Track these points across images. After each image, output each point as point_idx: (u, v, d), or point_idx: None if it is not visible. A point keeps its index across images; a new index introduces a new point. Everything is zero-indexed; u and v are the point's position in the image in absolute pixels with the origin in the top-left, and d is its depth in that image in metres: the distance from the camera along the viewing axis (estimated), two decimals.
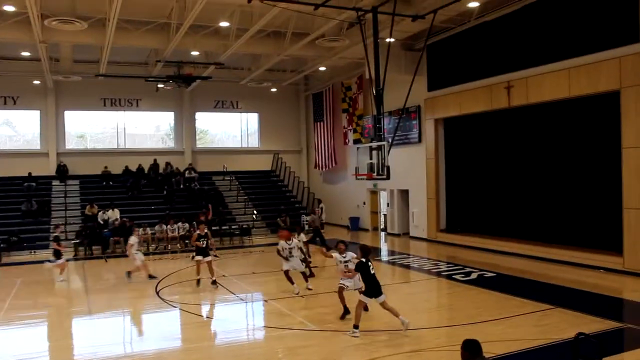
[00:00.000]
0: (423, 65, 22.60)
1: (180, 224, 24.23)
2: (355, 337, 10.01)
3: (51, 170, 29.15)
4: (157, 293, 14.79)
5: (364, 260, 10.41)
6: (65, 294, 15.75)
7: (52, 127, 29.58)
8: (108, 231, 23.78)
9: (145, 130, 33.08)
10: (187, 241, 23.84)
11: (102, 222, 24.53)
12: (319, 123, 32.23)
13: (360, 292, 10.47)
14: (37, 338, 11.58)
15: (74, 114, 30.56)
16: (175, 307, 13.31)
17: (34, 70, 26.77)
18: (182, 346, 10.42)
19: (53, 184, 28.61)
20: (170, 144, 33.09)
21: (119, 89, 30.06)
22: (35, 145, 29.99)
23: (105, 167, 29.65)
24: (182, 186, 29.61)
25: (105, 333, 11.39)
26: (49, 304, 14.48)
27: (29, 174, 27.78)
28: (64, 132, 30.22)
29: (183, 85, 26.59)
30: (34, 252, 23.20)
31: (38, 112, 29.58)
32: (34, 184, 27.50)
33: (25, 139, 30.53)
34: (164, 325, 11.99)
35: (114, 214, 24.96)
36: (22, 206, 25.73)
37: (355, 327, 10.17)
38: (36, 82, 28.37)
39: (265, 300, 13.82)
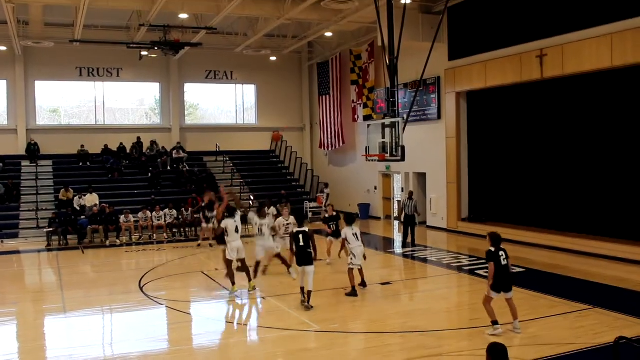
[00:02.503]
0: (443, 31, 22.42)
1: (167, 210, 24.28)
2: (496, 334, 9.92)
3: (20, 149, 29.20)
4: (141, 288, 14.82)
5: (493, 249, 10.26)
6: (37, 289, 15.81)
7: (21, 100, 29.53)
8: (85, 218, 23.84)
9: (127, 104, 33.07)
10: (174, 230, 23.94)
11: (78, 208, 24.59)
12: (324, 97, 32.12)
13: (489, 285, 10.33)
14: (5, 338, 11.61)
15: (45, 84, 30.54)
16: (161, 304, 13.34)
17: None
18: (168, 348, 10.43)
19: (22, 164, 28.66)
20: (155, 119, 33.07)
21: (97, 57, 29.98)
22: (2, 120, 30.01)
23: (82, 146, 29.62)
24: (169, 168, 29.64)
25: (82, 333, 11.39)
26: (18, 299, 14.54)
27: None
28: (35, 106, 30.20)
29: (170, 53, 26.44)
30: (2, 241, 23.30)
31: (4, 82, 29.53)
32: (0, 164, 27.53)
33: None
34: (148, 325, 12.01)
35: (92, 199, 25.00)
36: None
37: (494, 322, 10.10)
38: (2, 48, 28.24)
39: (263, 297, 13.83)
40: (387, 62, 18.65)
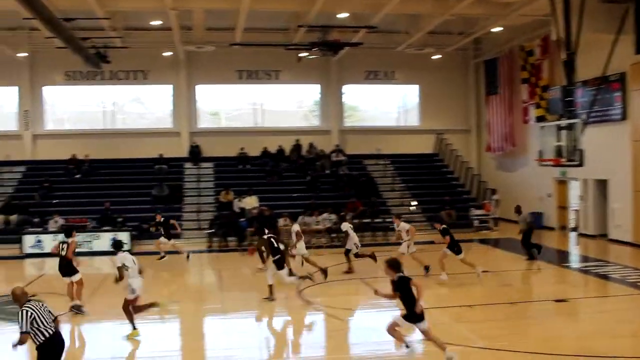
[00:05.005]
0: (629, 21, 21.11)
1: (326, 214, 24.85)
2: None
3: (183, 151, 31.19)
4: (300, 293, 15.18)
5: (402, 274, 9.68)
6: (198, 289, 16.76)
7: (184, 104, 31.56)
8: (245, 221, 24.95)
9: (286, 106, 34.24)
10: (333, 235, 24.35)
11: (238, 211, 25.77)
12: (492, 96, 31.38)
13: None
14: (169, 336, 12.53)
15: (207, 88, 32.42)
16: (318, 310, 13.65)
17: (164, 42, 28.58)
18: (325, 356, 10.66)
19: (185, 166, 30.62)
20: (314, 122, 33.94)
21: (256, 60, 31.26)
22: (167, 123, 32.24)
23: (242, 149, 31.01)
24: (328, 171, 30.27)
25: (240, 335, 12.00)
26: (181, 299, 15.56)
27: (160, 155, 29.98)
28: (196, 110, 32.18)
29: (329, 53, 27.01)
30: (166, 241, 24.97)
31: (171, 87, 31.72)
32: (165, 166, 29.62)
33: (155, 117, 32.95)
34: (305, 330, 12.35)
35: (251, 202, 26.13)
36: (152, 191, 27.86)
37: None
38: (167, 54, 30.34)
39: (425, 308, 13.75)
40: (564, 57, 17.93)
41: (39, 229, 24.34)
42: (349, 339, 11.92)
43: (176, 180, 29.07)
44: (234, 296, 15.70)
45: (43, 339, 7.84)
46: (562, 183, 27.32)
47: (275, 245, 14.78)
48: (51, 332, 7.93)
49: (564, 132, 17.22)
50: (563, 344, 10.75)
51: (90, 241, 23.60)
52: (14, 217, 25.69)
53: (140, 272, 12.19)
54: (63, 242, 13.93)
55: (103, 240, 23.33)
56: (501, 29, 27.53)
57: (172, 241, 21.10)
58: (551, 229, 27.52)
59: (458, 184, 31.90)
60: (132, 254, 19.02)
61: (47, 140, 31.09)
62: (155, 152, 30.05)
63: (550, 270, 18.56)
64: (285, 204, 26.72)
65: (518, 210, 21.05)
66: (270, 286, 14.38)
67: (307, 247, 18.19)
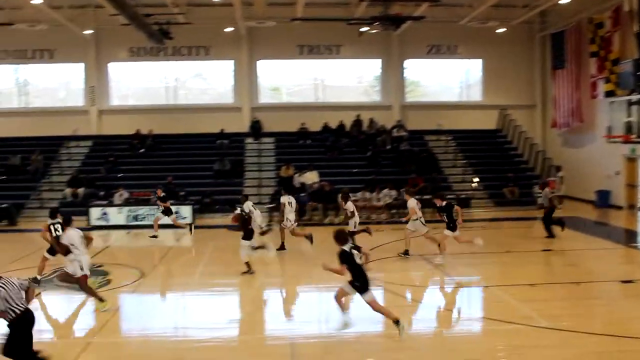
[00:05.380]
0: None
1: (386, 190, 24.78)
2: None
3: (244, 126, 31.51)
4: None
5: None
6: (258, 262, 16.89)
7: (245, 79, 31.86)
8: (305, 196, 25.08)
9: (346, 81, 34.14)
10: (393, 211, 24.27)
11: (298, 185, 25.92)
12: (559, 71, 30.56)
13: None
14: (228, 308, 12.80)
15: (268, 64, 32.57)
16: (378, 286, 13.65)
17: (226, 17, 28.74)
18: (384, 331, 10.65)
19: (246, 141, 30.97)
20: (375, 97, 33.76)
21: (317, 35, 31.20)
22: (228, 99, 32.60)
23: (302, 124, 31.18)
24: (388, 147, 30.12)
25: (299, 309, 12.24)
26: (239, 272, 15.68)
27: (222, 130, 30.37)
28: (257, 85, 32.39)
29: (391, 28, 26.71)
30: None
31: (232, 62, 32.05)
32: (226, 141, 29.98)
33: (217, 92, 33.34)
34: (364, 306, 12.36)
35: (311, 177, 26.26)
36: (214, 165, 28.26)
37: None
38: (228, 29, 30.53)
39: (485, 286, 13.64)
40: (636, 29, 17.29)
41: (105, 202, 25.01)
42: (409, 315, 11.88)
43: (237, 155, 29.48)
44: (294, 270, 15.85)
45: (14, 315, 7.96)
46: (632, 160, 26.45)
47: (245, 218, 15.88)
48: (22, 309, 8.03)
49: (634, 108, 16.63)
50: (630, 326, 10.45)
51: (153, 214, 24.13)
52: (81, 190, 26.49)
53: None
54: (55, 224, 13.81)
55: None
56: (569, 0, 26.72)
57: (173, 216, 21.43)
58: (619, 207, 26.76)
59: (521, 160, 31.30)
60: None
61: (112, 116, 31.94)
62: (217, 127, 30.48)
63: (617, 251, 18.07)
64: (345, 180, 26.65)
65: (543, 186, 20.59)
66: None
67: (367, 223, 18.19)
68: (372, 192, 24.78)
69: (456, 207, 16.51)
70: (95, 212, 24.02)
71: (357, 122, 31.30)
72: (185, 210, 23.80)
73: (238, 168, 28.55)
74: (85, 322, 11.07)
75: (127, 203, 24.61)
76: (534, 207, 25.03)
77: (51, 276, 14.09)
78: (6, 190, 26.14)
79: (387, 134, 30.68)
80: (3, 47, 31.05)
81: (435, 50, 32.89)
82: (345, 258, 9.77)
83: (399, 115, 32.19)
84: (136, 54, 31.58)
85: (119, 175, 27.89)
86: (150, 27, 26.31)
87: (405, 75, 33.30)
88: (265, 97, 32.86)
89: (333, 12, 28.93)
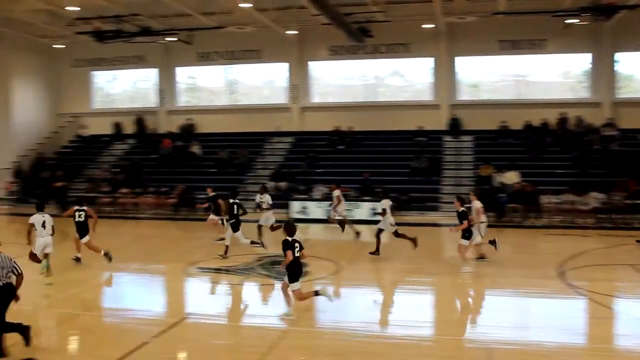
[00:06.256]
0: None
1: (594, 193, 23.44)
2: None
3: (442, 123, 31.13)
4: (560, 275, 14.52)
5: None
6: (452, 262, 16.60)
7: (444, 76, 31.49)
8: (505, 196, 24.32)
9: (550, 77, 32.56)
10: (601, 215, 22.88)
11: (497, 185, 25.18)
12: None
13: None
14: (423, 307, 12.78)
15: (466, 60, 31.96)
16: (582, 295, 12.92)
17: (425, 14, 28.45)
18: (587, 344, 10.08)
19: (444, 139, 30.61)
20: (582, 93, 31.82)
21: (519, 29, 29.91)
22: (426, 96, 32.44)
23: (503, 122, 30.14)
24: (597, 147, 28.27)
25: (493, 313, 11.96)
26: (438, 271, 15.64)
27: (419, 127, 30.27)
28: (456, 82, 31.90)
29: (601, 18, 25.13)
30: (423, 213, 25.23)
31: (431, 59, 31.82)
32: (424, 138, 29.84)
33: (415, 90, 33.29)
34: (566, 316, 11.73)
35: (512, 177, 25.37)
36: (411, 162, 28.27)
37: None
38: (426, 26, 30.22)
39: None
40: None
41: (305, 196, 25.98)
42: (614, 328, 11.08)
43: (435, 153, 29.21)
44: (488, 272, 15.37)
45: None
46: None
47: (235, 211, 16.88)
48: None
49: None
50: None
51: (350, 209, 24.61)
52: (282, 184, 27.75)
53: (52, 233, 14.20)
54: (79, 210, 15.87)
55: (363, 210, 24.41)
56: None
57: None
58: None
59: None
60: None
61: (312, 113, 33.13)
62: (414, 125, 30.37)
63: None
64: (547, 181, 25.58)
65: None
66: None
67: (571, 227, 17.30)
68: (578, 194, 23.46)
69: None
70: (295, 206, 25.07)
71: (562, 120, 29.68)
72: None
73: (435, 166, 28.32)
74: (281, 310, 11.49)
75: (325, 198, 25.34)
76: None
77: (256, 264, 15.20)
78: (216, 182, 27.99)
79: (596, 132, 28.78)
80: (214, 49, 33.52)
81: None
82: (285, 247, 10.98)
83: (609, 113, 30.01)
84: (336, 52, 32.40)
85: (317, 171, 28.87)
86: (351, 26, 26.86)
87: (617, 69, 31.06)
88: (464, 94, 32.30)
89: (537, 5, 27.54)
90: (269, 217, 19.61)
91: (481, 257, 16.07)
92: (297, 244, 10.93)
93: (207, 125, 33.97)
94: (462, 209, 15.32)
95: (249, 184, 28.91)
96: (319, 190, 25.91)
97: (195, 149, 32.03)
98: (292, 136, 32.67)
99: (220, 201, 19.71)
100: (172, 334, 10.72)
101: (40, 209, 14.43)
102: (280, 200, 25.05)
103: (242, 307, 13.38)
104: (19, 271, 9.46)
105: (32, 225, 14.03)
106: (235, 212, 16.92)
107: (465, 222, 15.13)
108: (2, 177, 31.68)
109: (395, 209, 24.47)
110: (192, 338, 10.65)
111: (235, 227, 16.76)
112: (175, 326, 11.12)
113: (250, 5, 25.71)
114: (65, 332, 11.23)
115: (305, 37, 32.03)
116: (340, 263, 16.31)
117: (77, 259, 15.96)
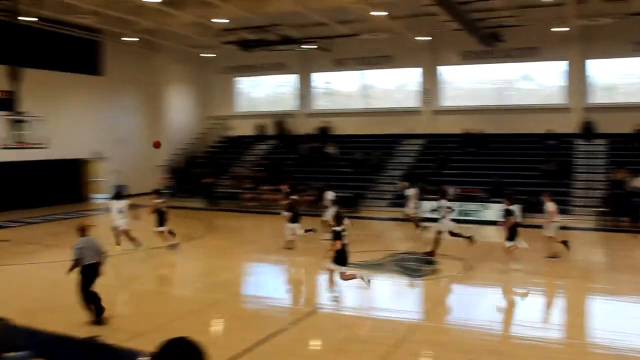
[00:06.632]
0: None
1: None
2: None
3: (572, 126, 31.03)
4: None
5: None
6: (583, 267, 16.96)
7: (576, 79, 31.44)
8: (639, 200, 24.21)
9: None
10: None
11: (632, 190, 25.10)
12: None
13: None
14: (550, 309, 13.45)
15: (600, 62, 31.66)
16: None
17: (556, 17, 28.50)
18: None
19: (575, 142, 30.53)
20: None
21: None
22: (557, 99, 32.44)
23: (639, 125, 29.68)
24: None
25: (627, 320, 12.01)
26: (566, 275, 15.95)
27: (549, 130, 30.43)
28: (588, 85, 31.68)
29: None
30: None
31: (563, 63, 31.77)
32: (555, 141, 30.00)
33: (545, 93, 33.36)
34: None
35: None
36: (541, 165, 28.57)
37: None
38: (556, 29, 30.07)
39: None
40: None
41: (435, 197, 26.79)
42: None
43: (565, 156, 29.26)
44: (625, 278, 15.38)
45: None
46: None
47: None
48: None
49: None
50: None
51: (479, 211, 25.35)
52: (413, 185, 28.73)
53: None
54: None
55: (492, 211, 24.94)
56: None
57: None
58: None
59: None
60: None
61: (443, 116, 34.06)
62: (543, 128, 30.59)
63: None
64: None
65: None
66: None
67: None
68: None
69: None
70: (426, 206, 26.01)
71: None
72: (515, 208, 24.38)
73: (566, 169, 28.42)
74: (412, 305, 12.45)
75: (456, 199, 26.12)
76: None
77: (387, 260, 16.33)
78: (351, 182, 29.60)
79: None
80: (350, 55, 35.21)
81: None
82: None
83: None
84: (467, 57, 33.11)
85: (448, 172, 29.63)
86: (482, 31, 27.39)
87: None
88: (597, 97, 32.07)
89: None
90: (445, 223, 18.45)
91: (553, 256, 16.78)
92: (344, 233, 12.63)
93: (342, 127, 35.78)
94: (508, 208, 16.37)
95: (380, 184, 30.50)
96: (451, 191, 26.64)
97: (331, 149, 33.83)
98: (423, 138, 33.70)
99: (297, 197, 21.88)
100: (307, 322, 11.71)
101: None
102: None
103: (374, 300, 13.72)
104: (103, 251, 11.60)
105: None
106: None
107: (510, 220, 15.95)
108: (159, 173, 34.87)
109: (526, 211, 25.08)
110: (325, 327, 11.62)
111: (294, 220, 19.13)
112: (310, 315, 12.12)
113: (385, 13, 27.01)
114: (214, 315, 12.50)
115: (436, 42, 32.90)
116: (470, 262, 16.81)
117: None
